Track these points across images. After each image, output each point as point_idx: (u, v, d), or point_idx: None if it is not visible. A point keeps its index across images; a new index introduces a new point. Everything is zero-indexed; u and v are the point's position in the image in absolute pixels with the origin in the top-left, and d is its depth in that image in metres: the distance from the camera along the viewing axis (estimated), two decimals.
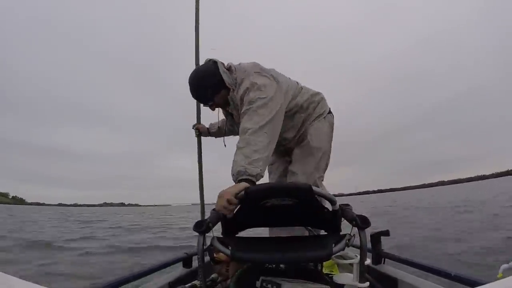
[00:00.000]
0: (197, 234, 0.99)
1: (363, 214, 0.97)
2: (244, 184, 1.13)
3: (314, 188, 0.99)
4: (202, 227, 0.98)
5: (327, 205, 1.05)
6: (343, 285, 1.15)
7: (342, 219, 1.04)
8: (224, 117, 1.87)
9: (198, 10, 2.00)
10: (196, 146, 2.12)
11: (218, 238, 1.03)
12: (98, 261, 6.32)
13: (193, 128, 2.12)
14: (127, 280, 1.18)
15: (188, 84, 1.53)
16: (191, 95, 1.57)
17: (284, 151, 1.83)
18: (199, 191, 2.15)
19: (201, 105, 1.94)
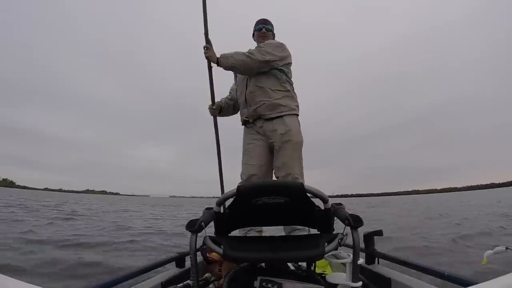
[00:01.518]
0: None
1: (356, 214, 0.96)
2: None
3: (306, 186, 0.98)
4: (194, 226, 0.97)
5: (319, 204, 1.05)
6: (336, 284, 1.15)
7: (335, 218, 1.03)
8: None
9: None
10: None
11: (210, 237, 1.02)
12: None
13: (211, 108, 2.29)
14: (120, 281, 1.17)
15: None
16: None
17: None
18: (218, 174, 2.35)
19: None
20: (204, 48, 2.07)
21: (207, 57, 2.08)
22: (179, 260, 1.59)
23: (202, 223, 0.98)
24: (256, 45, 2.22)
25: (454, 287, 1.09)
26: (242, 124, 2.26)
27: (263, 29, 2.22)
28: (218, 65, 2.06)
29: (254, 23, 2.32)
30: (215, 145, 2.34)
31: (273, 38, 2.27)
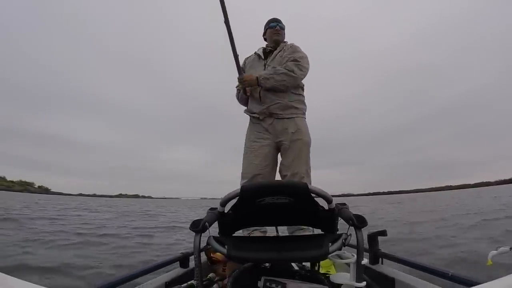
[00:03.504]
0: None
1: (360, 214, 0.96)
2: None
3: (310, 186, 0.98)
4: (198, 226, 0.97)
5: (324, 204, 1.05)
6: (340, 284, 1.15)
7: (339, 218, 1.03)
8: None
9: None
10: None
11: (214, 237, 1.02)
12: None
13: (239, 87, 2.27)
14: (123, 281, 1.18)
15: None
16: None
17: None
18: None
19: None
20: (240, 81, 2.13)
21: (246, 86, 2.14)
22: (183, 260, 1.59)
23: (206, 223, 0.98)
24: (277, 47, 2.24)
25: (458, 287, 1.09)
26: (245, 112, 2.27)
27: (277, 26, 2.26)
28: (258, 86, 2.09)
29: (266, 21, 2.34)
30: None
31: (284, 37, 2.31)
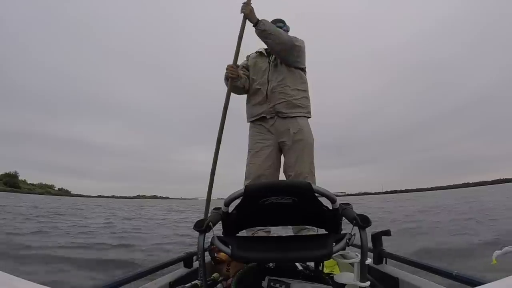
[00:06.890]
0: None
1: (364, 214, 0.96)
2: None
3: (314, 186, 0.98)
4: (202, 226, 0.97)
5: (328, 204, 1.05)
6: (344, 284, 1.15)
7: (343, 218, 1.03)
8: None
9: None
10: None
11: (218, 237, 1.03)
12: None
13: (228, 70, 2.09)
14: (127, 280, 1.18)
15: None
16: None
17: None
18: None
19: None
20: (243, 4, 2.03)
21: (245, 14, 2.02)
22: (187, 260, 1.59)
23: (210, 223, 0.98)
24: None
25: (462, 287, 1.09)
26: (249, 121, 2.24)
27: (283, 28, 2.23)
28: (255, 26, 2.02)
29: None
30: (218, 128, 2.11)
31: None
